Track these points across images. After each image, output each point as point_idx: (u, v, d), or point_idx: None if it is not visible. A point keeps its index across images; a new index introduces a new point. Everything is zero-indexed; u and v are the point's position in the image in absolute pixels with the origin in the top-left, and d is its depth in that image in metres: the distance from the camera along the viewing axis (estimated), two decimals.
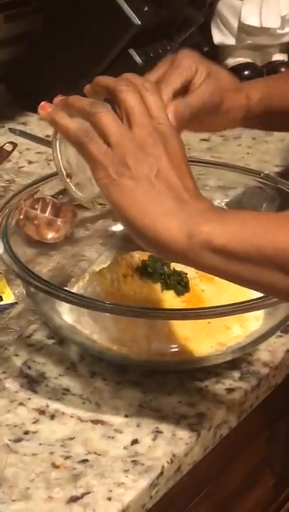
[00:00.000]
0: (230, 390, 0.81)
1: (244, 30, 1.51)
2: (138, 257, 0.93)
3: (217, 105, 0.90)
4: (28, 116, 1.39)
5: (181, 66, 0.87)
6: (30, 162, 1.25)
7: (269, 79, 1.12)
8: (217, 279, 0.91)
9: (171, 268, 0.90)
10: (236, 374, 0.83)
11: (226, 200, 1.03)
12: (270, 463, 1.05)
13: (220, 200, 1.03)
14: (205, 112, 0.88)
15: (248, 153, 1.32)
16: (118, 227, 1.02)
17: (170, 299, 0.88)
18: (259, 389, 0.84)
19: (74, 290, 0.89)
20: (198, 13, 1.41)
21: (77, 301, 0.78)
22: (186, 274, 0.90)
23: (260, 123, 0.99)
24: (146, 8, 1.29)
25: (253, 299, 0.83)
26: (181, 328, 0.82)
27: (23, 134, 1.30)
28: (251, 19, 1.50)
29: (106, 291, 0.88)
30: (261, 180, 0.97)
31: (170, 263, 0.91)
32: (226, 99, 0.91)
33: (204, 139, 1.21)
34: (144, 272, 0.89)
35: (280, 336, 0.88)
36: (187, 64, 0.88)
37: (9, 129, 1.32)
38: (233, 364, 0.84)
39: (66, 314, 0.84)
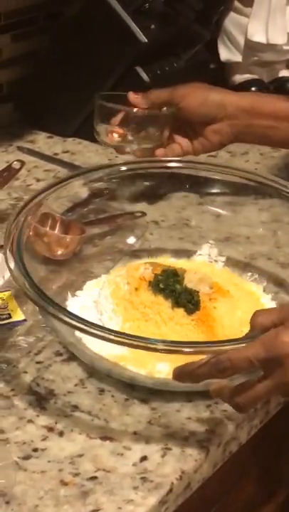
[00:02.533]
0: None
1: (251, 46, 1.52)
2: (152, 269, 0.92)
3: None
4: (36, 134, 1.39)
5: None
6: (38, 180, 1.25)
7: None
8: (232, 295, 0.91)
9: (183, 285, 0.90)
10: None
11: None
12: (281, 479, 1.05)
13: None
14: None
15: (256, 169, 1.32)
16: (126, 244, 1.03)
17: (179, 317, 0.87)
18: (269, 405, 0.84)
19: (87, 294, 0.90)
20: (204, 30, 1.41)
21: (80, 325, 0.76)
22: (198, 292, 0.89)
23: None
24: (152, 26, 1.30)
25: None
26: None
27: (31, 152, 1.31)
28: (258, 36, 1.50)
29: (117, 302, 0.88)
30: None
31: (183, 280, 0.90)
32: None
33: (212, 155, 1.21)
34: (156, 286, 0.89)
35: None
36: None
37: (17, 147, 1.32)
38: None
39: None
